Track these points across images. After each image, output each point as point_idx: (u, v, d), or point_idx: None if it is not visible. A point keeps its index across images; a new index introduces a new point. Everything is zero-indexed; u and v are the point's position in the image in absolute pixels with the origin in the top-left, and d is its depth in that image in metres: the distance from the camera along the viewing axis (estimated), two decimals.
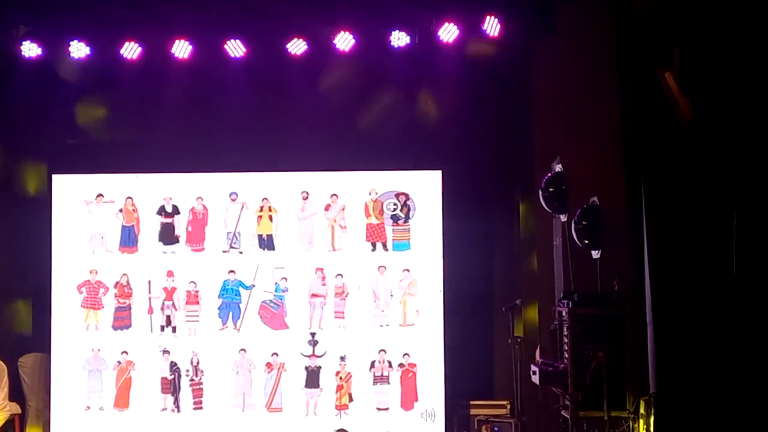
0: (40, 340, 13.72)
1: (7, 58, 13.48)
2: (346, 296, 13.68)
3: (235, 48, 13.41)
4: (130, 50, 13.40)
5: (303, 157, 13.81)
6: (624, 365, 10.73)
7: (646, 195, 10.72)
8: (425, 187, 13.72)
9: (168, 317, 13.69)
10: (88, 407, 13.62)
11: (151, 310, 13.70)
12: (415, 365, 13.59)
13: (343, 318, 13.66)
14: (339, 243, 13.73)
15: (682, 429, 10.00)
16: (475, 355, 13.81)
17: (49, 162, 13.91)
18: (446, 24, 13.17)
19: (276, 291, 13.70)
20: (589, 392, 10.66)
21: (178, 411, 13.62)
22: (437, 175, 13.70)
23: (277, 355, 13.62)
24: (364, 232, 13.74)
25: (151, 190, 13.81)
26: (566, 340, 11.00)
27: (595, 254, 11.22)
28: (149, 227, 13.77)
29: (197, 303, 13.68)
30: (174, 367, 13.63)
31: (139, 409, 13.62)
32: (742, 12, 9.63)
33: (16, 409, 13.61)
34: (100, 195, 13.76)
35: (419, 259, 13.66)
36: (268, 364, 13.62)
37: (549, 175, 11.74)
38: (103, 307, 13.69)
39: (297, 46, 13.40)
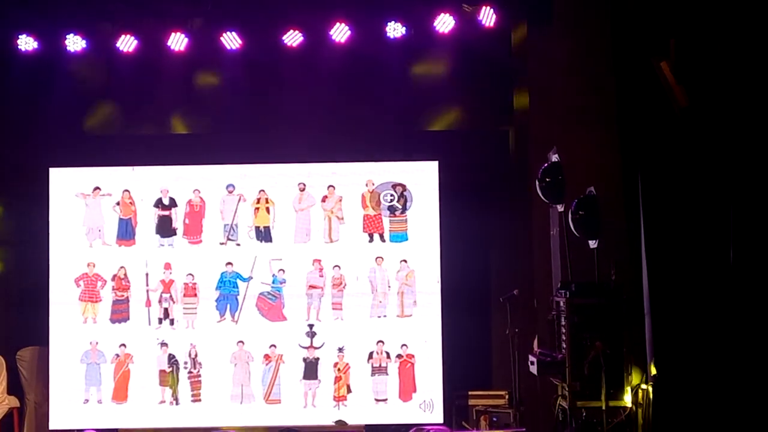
0: (38, 333, 13.70)
1: (2, 51, 13.47)
2: (344, 288, 13.68)
3: (231, 40, 13.40)
4: (126, 43, 13.39)
5: (300, 148, 13.82)
6: (622, 355, 10.74)
7: (642, 184, 10.71)
8: (422, 178, 13.72)
9: (166, 310, 13.69)
10: (87, 400, 13.62)
11: (148, 303, 13.70)
12: (413, 356, 13.60)
13: (341, 309, 13.67)
14: (336, 234, 13.73)
15: (681, 418, 10.01)
16: (473, 345, 13.83)
17: (45, 155, 13.88)
18: (442, 14, 13.17)
19: (273, 283, 13.70)
20: (587, 382, 10.67)
21: (177, 403, 13.62)
22: (434, 165, 13.70)
23: (275, 346, 13.63)
24: (361, 224, 13.74)
25: (147, 182, 13.80)
26: (564, 330, 11.00)
27: (593, 244, 11.22)
28: (146, 220, 13.77)
29: (195, 295, 13.68)
30: (172, 360, 13.63)
31: (137, 401, 13.63)
32: (737, 1, 9.63)
33: (14, 402, 13.63)
34: (96, 188, 13.76)
35: (416, 250, 13.66)
36: (266, 356, 13.63)
37: (545, 165, 11.74)
38: (100, 300, 13.69)
39: (293, 38, 13.40)
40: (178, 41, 13.39)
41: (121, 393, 13.63)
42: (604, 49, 12.00)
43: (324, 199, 13.75)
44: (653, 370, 10.45)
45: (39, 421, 13.78)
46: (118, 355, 13.66)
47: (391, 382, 13.60)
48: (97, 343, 13.66)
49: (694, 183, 10.05)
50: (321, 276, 13.71)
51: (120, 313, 13.68)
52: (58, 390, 13.59)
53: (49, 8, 13.33)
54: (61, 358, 13.62)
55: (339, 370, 13.61)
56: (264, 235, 13.74)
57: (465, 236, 13.73)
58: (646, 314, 10.70)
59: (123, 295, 13.69)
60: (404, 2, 13.25)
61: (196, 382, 13.63)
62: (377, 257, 13.68)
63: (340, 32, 13.32)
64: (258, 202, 13.76)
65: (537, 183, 11.65)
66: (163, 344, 13.65)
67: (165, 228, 13.76)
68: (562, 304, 11.09)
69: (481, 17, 13.12)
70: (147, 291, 13.71)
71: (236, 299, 13.69)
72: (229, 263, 13.69)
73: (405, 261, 13.67)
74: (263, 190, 13.75)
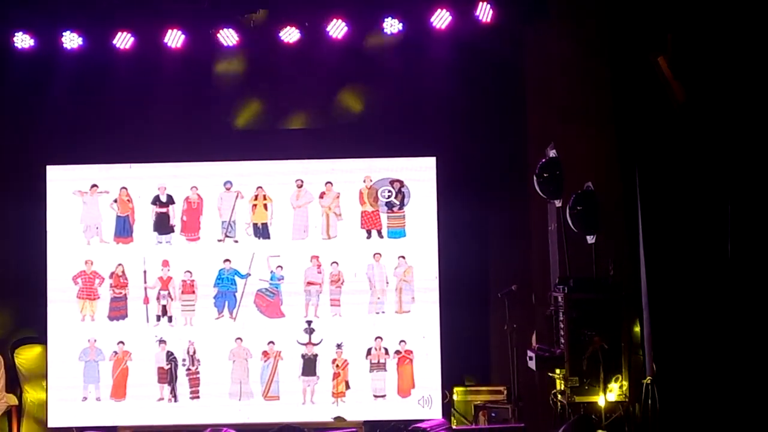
0: (36, 331, 13.71)
1: None
2: (342, 284, 13.69)
3: (228, 37, 13.40)
4: (123, 40, 13.41)
5: (297, 145, 13.83)
6: (620, 350, 10.75)
7: (640, 179, 10.71)
8: (420, 174, 13.72)
9: (164, 307, 13.69)
10: (85, 398, 13.62)
11: (146, 300, 13.70)
12: (411, 352, 13.61)
13: (339, 306, 13.68)
14: (334, 231, 13.73)
15: (680, 413, 10.02)
16: (471, 341, 13.83)
17: (43, 153, 13.87)
18: (439, 10, 13.18)
19: (271, 279, 13.70)
20: (586, 377, 10.68)
21: (176, 400, 13.62)
22: (431, 161, 13.70)
23: (273, 343, 13.63)
24: (359, 220, 13.74)
25: (145, 180, 13.80)
26: (562, 326, 11.01)
27: (590, 239, 11.22)
28: (144, 217, 13.77)
29: (193, 292, 13.68)
30: (170, 357, 13.63)
31: (135, 399, 13.62)
32: None
33: (13, 400, 13.62)
34: (94, 185, 13.75)
35: (414, 246, 13.67)
36: (265, 353, 13.63)
37: (543, 160, 11.74)
38: (98, 297, 13.69)
39: (290, 34, 13.39)
40: (174, 38, 13.39)
41: (119, 390, 13.63)
42: (601, 44, 11.97)
43: (322, 195, 13.75)
44: (652, 366, 10.46)
45: (37, 419, 13.76)
46: (116, 353, 13.66)
47: (390, 378, 13.61)
48: (95, 340, 13.66)
49: (692, 178, 10.06)
50: (319, 272, 13.71)
51: (118, 310, 13.68)
52: (56, 387, 13.59)
53: (45, 6, 13.32)
54: (60, 355, 13.62)
55: (337, 366, 13.61)
56: (262, 231, 13.73)
57: (463, 232, 13.73)
58: (645, 309, 10.70)
59: (121, 293, 13.69)
60: None
61: (194, 380, 13.63)
62: (375, 253, 13.68)
63: (337, 28, 13.33)
64: (256, 198, 13.75)
65: (535, 178, 11.65)
66: (162, 341, 13.65)
67: (163, 225, 13.76)
68: (560, 299, 11.09)
69: (478, 13, 13.13)
70: (145, 288, 13.71)
71: (234, 296, 13.69)
72: (227, 260, 13.69)
73: (403, 257, 13.67)
74: (261, 187, 13.74)
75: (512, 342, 12.87)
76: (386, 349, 13.62)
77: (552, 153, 11.84)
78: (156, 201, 13.76)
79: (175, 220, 13.76)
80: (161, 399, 13.63)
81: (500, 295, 13.09)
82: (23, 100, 13.86)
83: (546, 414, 12.14)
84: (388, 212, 13.74)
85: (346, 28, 13.34)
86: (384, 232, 13.72)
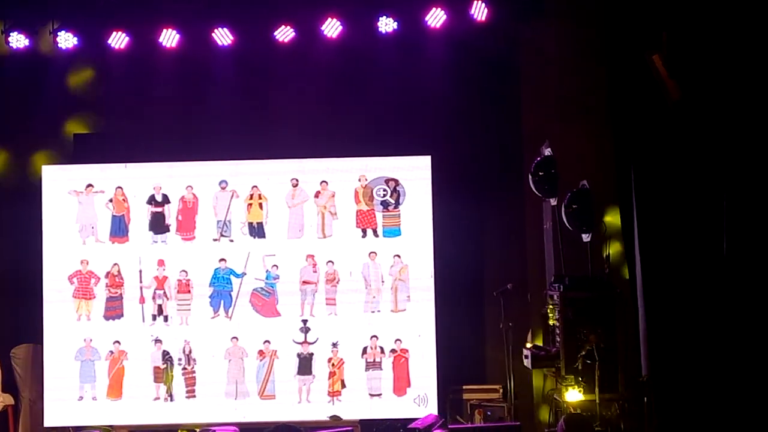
0: (32, 331, 13.68)
1: None
2: (338, 283, 13.68)
3: (223, 36, 13.41)
4: (118, 40, 13.40)
5: (292, 144, 13.82)
6: (616, 348, 10.78)
7: (635, 177, 10.74)
8: (415, 173, 13.71)
9: (159, 306, 13.67)
10: (81, 397, 13.61)
11: (142, 300, 13.69)
12: (407, 351, 13.60)
13: (335, 305, 13.66)
14: (329, 230, 13.72)
15: (675, 410, 10.04)
16: (467, 339, 13.82)
17: (38, 153, 13.86)
18: (433, 9, 13.18)
19: (267, 279, 13.70)
20: (581, 375, 10.70)
21: (171, 400, 13.62)
22: (426, 160, 13.69)
23: (269, 342, 13.63)
24: (354, 219, 13.74)
25: (140, 179, 13.78)
26: (558, 324, 11.03)
27: (586, 237, 11.25)
28: (139, 217, 13.75)
29: (188, 292, 13.68)
30: (166, 356, 13.63)
31: (132, 398, 13.62)
32: None
33: (9, 400, 13.61)
34: (89, 185, 13.73)
35: (410, 245, 13.66)
36: (260, 352, 13.63)
37: (538, 159, 11.77)
38: (94, 297, 13.68)
39: (284, 34, 13.40)
40: (169, 37, 13.39)
41: (115, 390, 13.62)
42: (596, 43, 12.02)
43: (317, 194, 13.75)
44: (648, 363, 10.49)
45: (34, 419, 13.75)
46: (112, 352, 13.65)
47: (386, 377, 13.60)
48: (91, 340, 13.65)
49: (687, 176, 10.09)
50: (314, 271, 13.70)
51: (114, 310, 13.67)
52: (52, 387, 13.57)
53: (39, 5, 13.31)
54: (56, 355, 13.60)
55: (333, 365, 13.61)
56: (257, 230, 13.73)
57: (458, 231, 13.73)
58: (640, 307, 10.73)
59: (117, 292, 13.68)
60: None
61: (190, 379, 13.62)
62: (370, 252, 13.68)
63: (332, 27, 13.33)
64: (251, 198, 13.75)
65: (530, 177, 11.69)
66: (157, 341, 13.65)
67: (158, 225, 13.75)
68: (556, 297, 11.12)
69: (473, 11, 13.13)
70: (141, 288, 13.70)
71: (230, 295, 13.68)
72: (223, 259, 13.68)
73: (398, 256, 13.67)
74: (256, 186, 13.74)
75: (508, 340, 12.89)
76: (382, 348, 13.62)
77: (547, 151, 11.86)
78: (151, 200, 13.75)
79: (171, 219, 13.75)
80: (157, 398, 13.62)
81: (496, 293, 13.10)
82: (18, 100, 13.84)
83: (541, 412, 12.18)
84: (383, 211, 13.73)
85: (340, 27, 13.34)
86: (379, 231, 13.72)
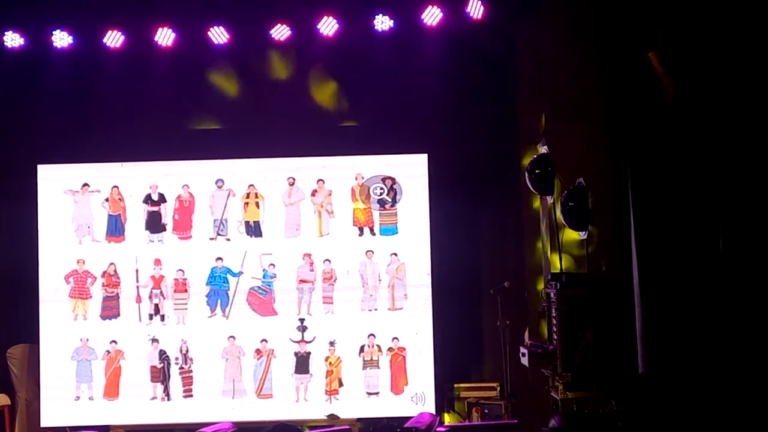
0: (28, 330, 13.68)
1: None
2: (335, 281, 13.68)
3: (219, 35, 13.38)
4: (113, 39, 13.37)
5: (289, 142, 13.80)
6: (613, 345, 10.77)
7: (631, 175, 10.73)
8: (412, 171, 13.71)
9: (156, 306, 13.67)
10: (78, 397, 13.60)
11: (139, 299, 13.68)
12: (404, 349, 13.60)
13: (332, 303, 13.66)
14: (326, 228, 13.72)
15: (672, 407, 10.03)
16: (464, 337, 13.83)
17: (33, 152, 13.84)
18: (430, 7, 13.17)
19: (264, 277, 13.69)
20: (579, 373, 10.70)
21: (168, 399, 13.61)
22: (423, 158, 13.69)
23: (266, 341, 13.62)
24: (351, 217, 13.73)
25: (136, 178, 13.78)
26: (555, 322, 11.03)
27: (582, 235, 11.24)
28: (136, 216, 13.74)
29: (185, 291, 13.67)
30: (163, 356, 13.62)
31: (129, 398, 13.61)
32: None
33: (5, 400, 13.61)
34: (85, 185, 13.73)
35: (407, 243, 13.66)
36: (258, 351, 13.62)
37: (535, 156, 11.76)
38: (91, 296, 13.67)
39: (280, 32, 13.38)
40: (165, 36, 13.37)
41: (112, 389, 13.61)
42: (592, 40, 12.00)
43: (314, 193, 13.74)
44: (645, 360, 10.48)
45: (30, 419, 13.74)
46: (108, 352, 13.64)
47: (383, 376, 13.60)
48: (87, 339, 13.64)
49: (683, 173, 10.07)
50: (311, 270, 13.70)
51: (110, 309, 13.66)
52: (49, 387, 13.57)
53: (35, 4, 13.29)
54: (52, 355, 13.60)
55: (330, 363, 13.61)
56: (254, 229, 13.72)
57: (455, 229, 13.72)
58: (637, 305, 10.72)
59: (113, 292, 13.67)
60: None
61: (187, 378, 13.61)
62: (367, 251, 13.67)
63: (328, 26, 13.31)
64: (247, 196, 13.74)
65: (526, 175, 11.67)
66: (154, 340, 13.64)
67: (154, 224, 13.74)
68: (553, 295, 11.12)
69: (469, 9, 13.12)
70: (137, 287, 13.69)
71: (227, 294, 13.67)
72: (219, 258, 13.68)
73: (395, 254, 13.66)
74: (252, 185, 13.73)
75: (505, 338, 12.88)
76: (379, 346, 13.62)
77: (544, 149, 11.85)
78: (148, 200, 13.74)
79: (167, 218, 13.74)
80: (154, 398, 13.61)
81: (493, 291, 13.09)
82: (13, 99, 13.83)
83: (539, 410, 12.17)
84: (380, 209, 13.73)
85: (337, 26, 13.32)
86: (376, 229, 13.72)
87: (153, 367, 13.62)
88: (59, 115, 13.90)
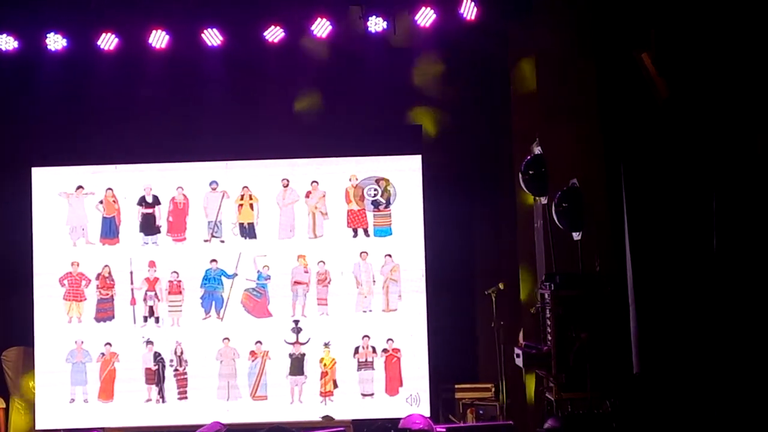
0: (23, 333, 13.67)
1: None
2: (329, 283, 13.68)
3: (212, 37, 13.38)
4: (107, 41, 13.36)
5: (283, 144, 13.81)
6: (607, 346, 10.77)
7: (625, 175, 10.74)
8: (405, 172, 13.72)
9: (151, 308, 13.67)
10: (73, 399, 13.60)
11: (133, 301, 13.68)
12: (399, 350, 13.60)
13: (326, 305, 13.67)
14: (320, 230, 13.72)
15: (667, 407, 10.04)
16: (458, 339, 13.83)
17: (27, 154, 13.84)
18: (423, 8, 13.16)
19: (258, 279, 13.69)
20: (573, 373, 10.70)
21: (163, 401, 13.61)
22: (417, 159, 13.70)
23: (260, 343, 13.62)
24: (345, 219, 13.74)
25: (131, 180, 13.78)
26: (549, 322, 11.03)
27: (576, 236, 11.25)
28: (130, 218, 13.74)
29: (180, 293, 13.67)
30: (158, 358, 13.61)
31: (123, 400, 13.60)
32: None
33: (0, 403, 13.60)
34: (79, 187, 13.73)
35: (401, 245, 13.66)
36: (252, 353, 13.62)
37: (528, 157, 11.76)
38: (85, 299, 13.66)
39: (274, 34, 13.38)
40: (159, 38, 13.36)
41: (107, 392, 13.61)
42: (585, 41, 12.02)
43: (308, 194, 13.74)
44: (639, 361, 10.49)
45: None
46: (103, 354, 13.64)
47: (378, 377, 13.60)
48: (82, 342, 13.63)
49: (676, 173, 10.09)
50: (306, 272, 13.70)
51: (105, 311, 13.66)
52: (43, 390, 13.56)
53: (28, 7, 13.28)
54: (47, 357, 13.59)
55: (325, 365, 13.61)
56: (248, 231, 13.72)
57: (449, 230, 13.73)
58: (631, 305, 10.73)
59: (108, 294, 13.67)
60: None
61: (182, 380, 13.61)
62: (362, 252, 13.68)
63: (322, 27, 13.31)
64: (242, 198, 13.74)
65: (520, 176, 11.67)
66: (149, 342, 13.63)
67: (149, 226, 13.74)
68: (547, 296, 11.12)
69: (462, 10, 13.12)
70: (132, 289, 13.69)
71: (221, 296, 13.67)
72: (214, 260, 13.67)
73: (389, 255, 13.66)
74: (247, 187, 13.74)
75: (499, 339, 12.89)
76: (374, 348, 13.62)
77: (537, 150, 11.85)
78: (142, 202, 13.74)
79: (162, 220, 13.74)
80: (149, 400, 13.61)
81: (487, 292, 13.10)
82: (7, 102, 13.84)
83: (533, 411, 12.17)
84: (374, 211, 13.73)
85: (330, 27, 13.32)
86: (370, 230, 13.72)
87: (148, 369, 13.62)
88: (53, 118, 13.91)
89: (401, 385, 13.58)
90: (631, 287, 10.71)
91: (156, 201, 13.73)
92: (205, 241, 13.73)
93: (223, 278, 13.67)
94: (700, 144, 9.83)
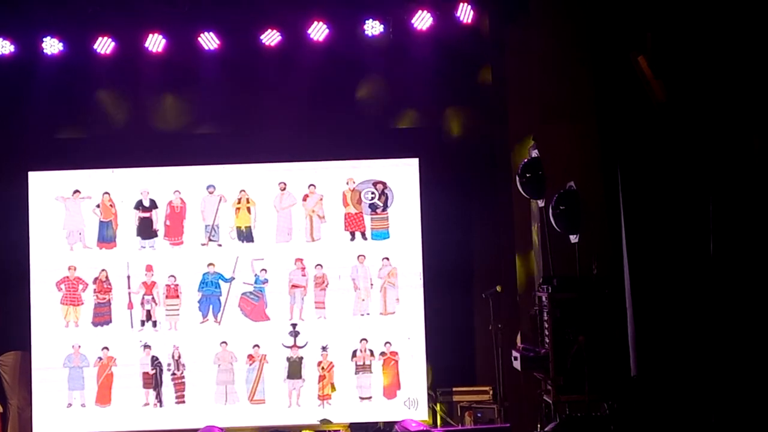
0: (20, 338, 13.66)
1: None
2: (326, 286, 13.68)
3: (209, 40, 13.38)
4: (104, 45, 13.35)
5: (280, 148, 13.81)
6: (604, 348, 10.76)
7: (622, 178, 10.75)
8: (403, 176, 13.73)
9: (148, 312, 13.66)
10: (70, 404, 13.59)
11: (131, 305, 13.67)
12: (396, 353, 13.60)
13: (324, 308, 13.67)
14: (318, 233, 13.72)
15: (664, 409, 10.04)
16: (456, 342, 13.83)
17: (24, 159, 13.83)
18: (420, 12, 13.17)
19: (256, 283, 13.69)
20: (571, 376, 10.69)
21: (161, 405, 13.60)
22: (414, 162, 13.70)
23: (258, 346, 13.61)
24: (342, 222, 13.74)
25: (128, 184, 13.77)
26: (547, 325, 11.02)
27: (573, 239, 11.24)
28: (127, 222, 13.73)
29: (177, 297, 13.66)
30: (155, 362, 13.61)
31: (121, 404, 13.59)
32: None
33: None
34: (76, 191, 13.72)
35: (398, 248, 13.67)
36: (250, 356, 13.62)
37: (525, 160, 11.75)
38: (82, 303, 13.66)
39: (271, 37, 13.38)
40: (155, 42, 13.36)
41: (104, 396, 13.60)
42: (582, 44, 12.01)
43: (305, 198, 13.74)
44: (637, 363, 10.49)
45: (22, 426, 13.72)
46: (100, 359, 13.63)
47: (375, 380, 13.60)
48: (79, 346, 13.62)
49: (673, 176, 10.09)
50: (303, 275, 13.70)
51: (102, 316, 13.65)
52: (41, 394, 13.55)
53: (25, 12, 13.27)
54: (44, 362, 13.58)
55: (323, 368, 13.60)
56: (245, 235, 13.72)
57: (447, 233, 13.74)
58: (628, 307, 10.73)
59: (105, 298, 13.66)
60: (382, 0, 13.24)
61: (179, 384, 13.61)
62: (359, 255, 13.68)
63: (319, 31, 13.31)
64: (239, 202, 13.74)
65: (517, 179, 11.66)
66: (146, 346, 13.63)
67: (146, 230, 13.73)
68: (544, 299, 11.10)
69: (459, 14, 13.13)
70: (129, 293, 13.68)
71: (219, 300, 13.67)
72: (211, 264, 13.67)
73: (387, 258, 13.67)
74: (244, 190, 13.74)
75: (497, 342, 12.88)
76: (371, 351, 13.62)
77: (534, 153, 11.85)
78: (139, 206, 13.74)
79: (159, 224, 13.74)
80: (146, 404, 13.60)
81: (485, 295, 13.09)
82: (4, 107, 13.83)
83: (531, 413, 12.16)
84: (371, 214, 13.74)
85: (327, 31, 13.32)
86: (368, 233, 13.72)
87: (145, 374, 13.61)
88: (50, 122, 13.92)
89: (399, 388, 13.58)
90: (628, 290, 10.71)
91: (153, 205, 13.73)
92: (203, 244, 13.72)
93: (220, 282, 13.67)
94: (696, 147, 9.84)
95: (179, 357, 13.61)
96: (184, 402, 13.60)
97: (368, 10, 13.30)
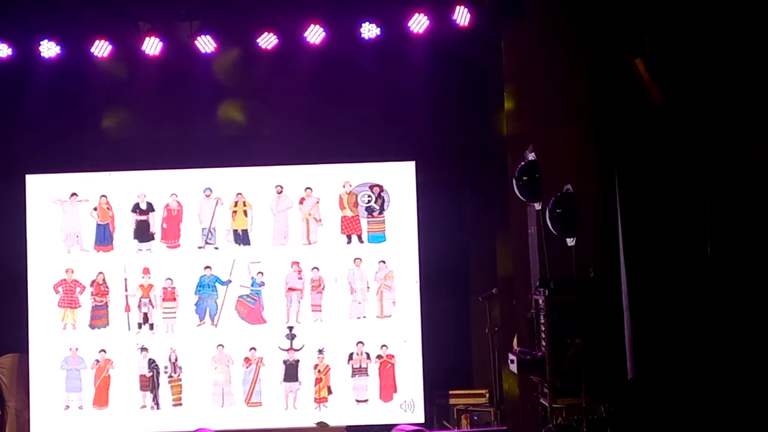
0: (17, 340, 13.65)
1: None
2: (323, 289, 13.69)
3: (206, 43, 13.38)
4: (101, 48, 13.35)
5: (276, 151, 13.83)
6: (601, 351, 10.77)
7: (619, 181, 10.75)
8: (399, 179, 13.74)
9: (145, 314, 13.67)
10: (68, 406, 13.59)
11: (128, 308, 13.67)
12: (393, 356, 13.62)
13: (320, 311, 13.68)
14: (314, 236, 13.74)
15: (661, 414, 10.05)
16: (452, 344, 13.85)
17: (21, 162, 13.84)
18: (416, 15, 13.18)
19: (252, 286, 13.70)
20: (567, 379, 10.70)
21: (158, 408, 13.60)
22: (411, 165, 13.72)
23: (255, 349, 13.62)
24: (339, 225, 13.75)
25: (125, 187, 13.78)
26: (543, 328, 11.03)
27: (570, 242, 11.25)
28: (124, 225, 13.74)
29: (174, 300, 13.67)
30: (152, 365, 13.61)
31: (118, 407, 13.60)
32: None
33: None
34: (74, 194, 13.72)
35: (395, 251, 13.68)
36: (247, 359, 13.63)
37: (522, 163, 11.76)
38: (80, 306, 13.66)
39: (267, 41, 13.38)
40: (152, 45, 13.36)
41: (101, 399, 13.60)
42: (578, 46, 12.02)
43: (301, 201, 13.76)
44: (633, 367, 10.49)
45: (20, 428, 13.73)
46: (98, 361, 13.63)
47: (372, 383, 13.62)
48: (77, 349, 13.63)
49: (670, 179, 10.09)
50: (300, 278, 13.71)
51: (99, 318, 13.66)
52: (38, 397, 13.55)
53: (22, 15, 13.27)
54: (41, 364, 13.58)
55: (319, 371, 13.62)
56: (242, 238, 13.73)
57: (443, 236, 13.76)
58: (625, 310, 10.73)
59: (102, 301, 13.67)
60: (379, 3, 13.25)
61: (176, 387, 13.61)
62: (356, 258, 13.70)
63: (315, 34, 13.31)
64: (235, 205, 13.75)
65: (514, 182, 11.66)
66: (143, 349, 13.64)
67: (143, 233, 13.74)
68: (541, 302, 11.11)
69: (455, 17, 13.14)
70: (126, 296, 13.69)
71: (215, 303, 13.68)
72: (208, 267, 13.68)
73: (383, 262, 13.68)
74: (240, 193, 13.75)
75: (494, 345, 12.90)
76: (368, 354, 13.63)
77: (531, 156, 11.86)
78: (136, 209, 13.75)
79: (156, 227, 13.75)
80: (144, 407, 13.60)
81: (481, 298, 13.12)
82: (1, 110, 13.82)
83: (528, 417, 12.17)
84: (368, 217, 13.76)
85: (323, 34, 13.33)
86: (364, 237, 13.74)
87: (142, 376, 13.62)
88: (47, 125, 13.91)
89: (395, 391, 13.60)
90: (625, 292, 10.71)
91: (150, 208, 13.74)
92: (199, 247, 13.73)
93: (217, 285, 13.68)
94: (694, 149, 9.84)
95: (176, 360, 13.62)
96: (181, 404, 13.61)
97: (365, 13, 13.29)
